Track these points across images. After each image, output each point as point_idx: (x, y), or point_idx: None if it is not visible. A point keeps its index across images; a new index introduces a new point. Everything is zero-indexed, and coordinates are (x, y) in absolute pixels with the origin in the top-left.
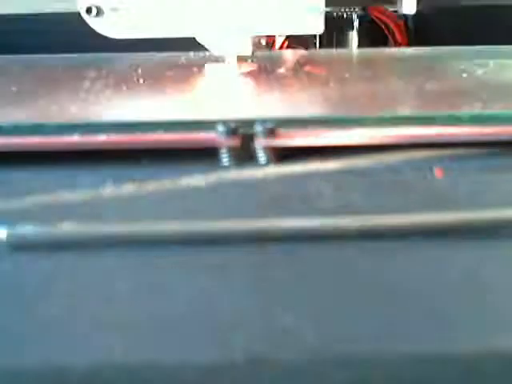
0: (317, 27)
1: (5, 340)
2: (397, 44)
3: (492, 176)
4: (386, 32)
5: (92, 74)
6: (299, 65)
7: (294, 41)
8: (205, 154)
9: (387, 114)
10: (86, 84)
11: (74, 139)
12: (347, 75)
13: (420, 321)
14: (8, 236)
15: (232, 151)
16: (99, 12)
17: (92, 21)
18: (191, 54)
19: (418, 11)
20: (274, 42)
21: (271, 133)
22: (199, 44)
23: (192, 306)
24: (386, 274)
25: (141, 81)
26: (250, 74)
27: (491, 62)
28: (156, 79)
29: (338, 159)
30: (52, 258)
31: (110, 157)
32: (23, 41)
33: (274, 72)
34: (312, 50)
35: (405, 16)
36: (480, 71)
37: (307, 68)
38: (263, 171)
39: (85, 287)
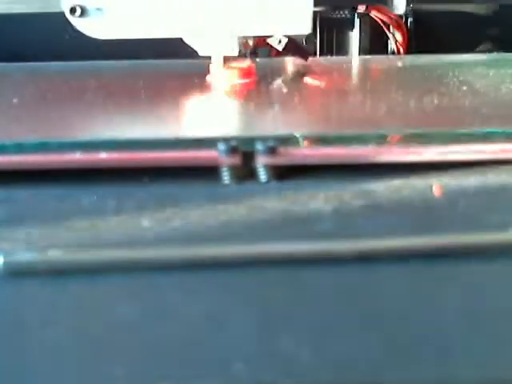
0: (304, 27)
1: (4, 369)
2: (397, 43)
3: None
4: (387, 32)
5: (92, 84)
6: (299, 75)
7: (294, 41)
8: (206, 171)
9: (387, 131)
10: (87, 97)
11: (76, 157)
12: (347, 88)
13: (418, 347)
14: (5, 262)
15: (233, 169)
16: (83, 12)
17: (76, 21)
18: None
19: (417, 11)
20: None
21: (272, 151)
22: (186, 44)
23: (193, 332)
24: (386, 299)
25: (142, 93)
26: (250, 85)
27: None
28: (156, 91)
29: (338, 176)
30: (52, 284)
31: (111, 173)
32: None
33: (274, 83)
34: (312, 59)
35: (405, 16)
36: (480, 83)
37: (307, 80)
38: (264, 189)
39: (85, 313)
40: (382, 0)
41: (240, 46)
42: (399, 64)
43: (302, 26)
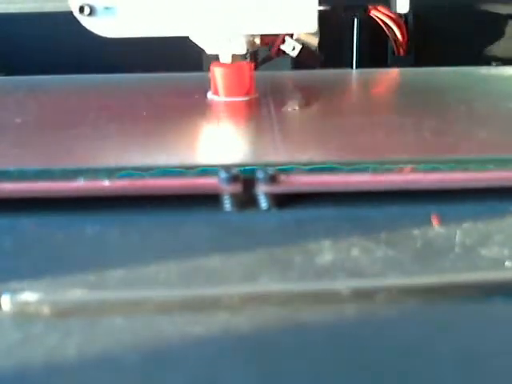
0: (310, 25)
1: None
2: (397, 43)
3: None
4: (387, 31)
5: (94, 103)
6: (297, 93)
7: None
8: (207, 198)
9: (386, 158)
10: (89, 118)
11: (79, 185)
12: (345, 110)
13: None
14: (12, 304)
15: (234, 196)
16: (92, 11)
17: (85, 20)
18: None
19: (418, 11)
20: (273, 42)
21: (272, 179)
22: (193, 43)
23: (194, 378)
24: (386, 341)
25: (143, 114)
26: (250, 104)
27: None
28: (157, 111)
29: (338, 203)
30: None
31: (113, 200)
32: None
33: (273, 102)
34: (309, 72)
35: (405, 15)
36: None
37: (305, 100)
38: (265, 218)
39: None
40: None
41: (247, 44)
42: (397, 80)
43: (308, 24)
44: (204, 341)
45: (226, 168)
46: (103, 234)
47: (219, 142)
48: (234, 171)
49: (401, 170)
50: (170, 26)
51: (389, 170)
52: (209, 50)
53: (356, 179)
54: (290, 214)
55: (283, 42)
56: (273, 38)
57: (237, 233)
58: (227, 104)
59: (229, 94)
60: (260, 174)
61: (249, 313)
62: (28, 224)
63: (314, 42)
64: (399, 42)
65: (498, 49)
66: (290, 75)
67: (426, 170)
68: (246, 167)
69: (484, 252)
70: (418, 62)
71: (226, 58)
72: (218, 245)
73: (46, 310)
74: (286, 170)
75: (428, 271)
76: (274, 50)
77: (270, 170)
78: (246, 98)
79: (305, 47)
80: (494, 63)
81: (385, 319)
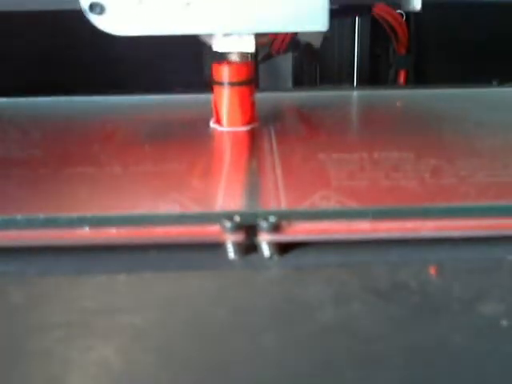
0: (321, 24)
1: None
2: (398, 43)
3: (486, 275)
4: (388, 30)
5: (95, 134)
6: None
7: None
8: (211, 244)
9: (385, 207)
10: (92, 152)
11: (85, 232)
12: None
13: None
14: None
15: (237, 244)
16: (102, 9)
17: (95, 18)
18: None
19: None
20: (274, 40)
21: (275, 228)
22: (202, 42)
23: None
24: None
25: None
26: (251, 136)
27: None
28: (159, 147)
29: (339, 250)
30: None
31: (118, 246)
32: None
33: (275, 133)
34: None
35: (406, 14)
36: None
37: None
38: (267, 265)
39: None
40: None
41: (256, 42)
42: (399, 109)
43: (319, 23)
44: None
45: (229, 216)
46: (110, 283)
47: (221, 183)
48: (237, 219)
49: (400, 219)
50: (180, 24)
51: (388, 219)
52: (218, 49)
53: (356, 228)
54: (292, 261)
55: (283, 40)
56: (273, 35)
57: (239, 283)
58: (229, 135)
59: (231, 123)
60: (263, 224)
61: (248, 372)
62: (35, 271)
63: (317, 40)
64: (400, 42)
65: (498, 47)
66: (290, 98)
67: (423, 218)
68: (249, 215)
69: (478, 308)
70: (419, 60)
71: (234, 57)
72: (220, 297)
73: None
74: (288, 217)
75: (425, 330)
76: (275, 47)
77: (272, 219)
78: (248, 128)
79: (308, 45)
80: (494, 82)
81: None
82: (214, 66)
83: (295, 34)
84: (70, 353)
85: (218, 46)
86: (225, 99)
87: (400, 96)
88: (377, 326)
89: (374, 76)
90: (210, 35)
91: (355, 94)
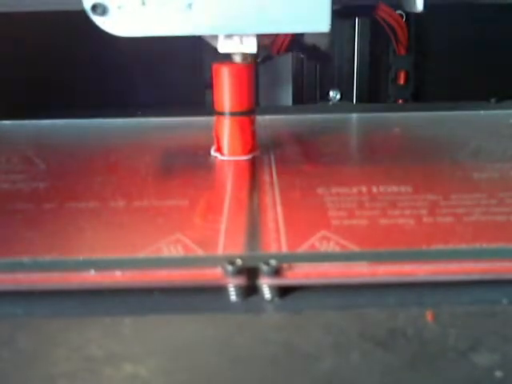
0: (323, 25)
1: None
2: (398, 43)
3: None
4: (388, 31)
5: (97, 163)
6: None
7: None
8: (213, 287)
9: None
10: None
11: (90, 276)
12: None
13: None
14: None
15: (238, 287)
16: (105, 10)
17: (98, 19)
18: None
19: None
20: (274, 41)
21: (276, 272)
22: (205, 42)
23: None
24: None
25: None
26: (252, 166)
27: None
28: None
29: (339, 295)
30: None
31: (123, 289)
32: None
33: (275, 165)
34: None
35: (406, 15)
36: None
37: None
38: (267, 308)
39: None
40: None
41: (259, 43)
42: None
43: (321, 23)
44: None
45: (231, 260)
46: (114, 327)
47: (223, 224)
48: (239, 263)
49: (398, 263)
50: (183, 25)
51: (386, 262)
52: (221, 49)
53: (354, 272)
54: (292, 304)
55: (283, 40)
56: (273, 36)
57: (241, 326)
58: (230, 164)
59: (232, 153)
60: (264, 268)
61: None
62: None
63: (324, 41)
64: (400, 42)
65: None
66: (289, 123)
67: (420, 262)
68: (250, 259)
69: (474, 358)
70: (418, 61)
71: (236, 58)
72: (223, 343)
73: None
74: (289, 260)
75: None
76: (275, 48)
77: (273, 262)
78: (248, 157)
79: (315, 46)
80: (492, 100)
81: None
82: (215, 97)
83: (295, 35)
84: None
85: (220, 47)
86: (226, 129)
87: (399, 118)
88: (373, 376)
89: (373, 76)
90: (213, 36)
91: (356, 117)
